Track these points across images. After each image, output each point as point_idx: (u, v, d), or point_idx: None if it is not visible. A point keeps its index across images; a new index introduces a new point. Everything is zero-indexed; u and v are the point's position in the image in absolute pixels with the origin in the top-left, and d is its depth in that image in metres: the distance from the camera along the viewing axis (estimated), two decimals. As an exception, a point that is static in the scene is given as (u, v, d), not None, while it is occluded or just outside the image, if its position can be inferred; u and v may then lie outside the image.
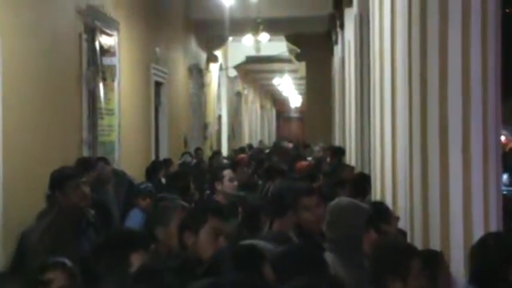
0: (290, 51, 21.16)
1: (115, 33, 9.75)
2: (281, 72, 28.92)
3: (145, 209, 6.43)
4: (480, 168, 4.43)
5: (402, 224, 5.13)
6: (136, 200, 6.84)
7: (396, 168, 5.98)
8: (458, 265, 4.28)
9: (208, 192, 7.18)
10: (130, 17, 10.84)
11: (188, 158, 13.18)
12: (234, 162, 10.33)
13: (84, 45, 8.54)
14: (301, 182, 5.94)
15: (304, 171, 9.35)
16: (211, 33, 17.98)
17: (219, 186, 6.47)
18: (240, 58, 22.36)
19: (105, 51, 9.20)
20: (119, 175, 8.01)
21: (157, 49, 12.71)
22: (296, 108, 43.43)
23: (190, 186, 6.89)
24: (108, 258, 3.23)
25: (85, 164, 6.85)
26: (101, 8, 9.12)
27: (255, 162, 12.61)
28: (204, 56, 18.34)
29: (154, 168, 10.07)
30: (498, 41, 4.54)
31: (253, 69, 28.76)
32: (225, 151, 20.42)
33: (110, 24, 9.53)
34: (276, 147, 21.20)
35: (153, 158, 11.93)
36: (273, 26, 16.25)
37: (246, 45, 17.68)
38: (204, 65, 18.36)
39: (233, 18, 15.01)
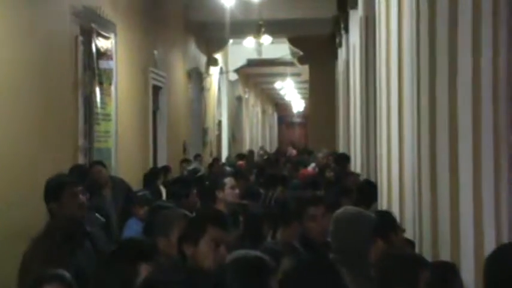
0: (293, 54, 21.16)
1: (112, 35, 9.75)
2: (283, 75, 28.92)
3: (143, 218, 6.41)
4: (491, 174, 4.41)
5: (410, 233, 5.11)
6: (134, 208, 6.82)
7: (403, 175, 5.96)
8: (469, 276, 4.25)
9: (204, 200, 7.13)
10: (127, 19, 10.84)
11: (198, 166, 13.18)
12: (236, 170, 10.32)
13: (80, 48, 8.53)
14: (307, 191, 5.93)
15: (307, 179, 9.34)
16: (212, 35, 18.00)
17: (220, 194, 6.45)
18: (241, 61, 22.38)
19: (102, 54, 9.20)
20: (116, 182, 7.99)
21: (155, 52, 12.70)
22: (299, 113, 43.41)
23: (190, 193, 6.86)
24: (118, 270, 3.22)
25: (79, 172, 6.83)
26: (98, 10, 9.12)
27: (256, 169, 12.59)
28: (203, 59, 18.35)
29: (152, 176, 10.06)
30: (510, 43, 4.52)
31: (255, 73, 28.77)
32: (225, 158, 20.40)
33: (106, 26, 9.53)
34: (280, 154, 21.20)
35: (151, 164, 11.92)
36: (275, 28, 16.25)
37: (247, 48, 17.70)
38: (204, 68, 18.37)
39: (234, 20, 15.01)
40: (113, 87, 9.72)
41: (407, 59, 5.72)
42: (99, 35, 9.12)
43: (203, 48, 18.11)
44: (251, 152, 21.31)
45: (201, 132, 17.47)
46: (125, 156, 10.19)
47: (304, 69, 23.33)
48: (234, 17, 14.87)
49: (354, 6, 11.09)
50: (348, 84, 13.11)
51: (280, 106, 46.03)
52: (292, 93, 34.63)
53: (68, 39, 8.25)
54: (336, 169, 11.30)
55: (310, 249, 4.12)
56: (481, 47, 4.40)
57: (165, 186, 9.14)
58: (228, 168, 12.84)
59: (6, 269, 4.92)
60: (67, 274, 3.50)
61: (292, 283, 2.83)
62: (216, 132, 20.59)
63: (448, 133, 4.45)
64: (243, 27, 15.87)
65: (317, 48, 19.71)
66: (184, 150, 15.26)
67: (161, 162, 12.65)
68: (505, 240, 4.31)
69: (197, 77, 17.13)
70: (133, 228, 6.42)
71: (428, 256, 4.24)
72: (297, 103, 40.16)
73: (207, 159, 16.50)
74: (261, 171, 11.64)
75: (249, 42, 16.74)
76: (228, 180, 6.60)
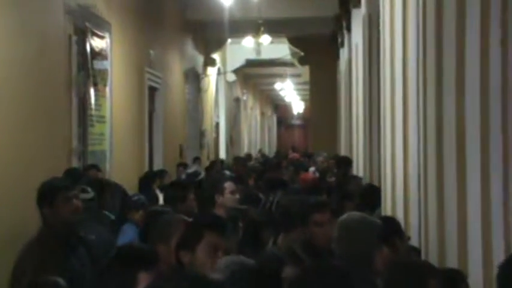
0: (293, 54, 21.16)
1: (107, 35, 9.72)
2: (283, 76, 28.92)
3: (138, 222, 6.39)
4: (500, 179, 4.37)
5: (415, 240, 5.08)
6: (130, 213, 6.80)
7: (408, 179, 5.93)
8: (477, 284, 4.22)
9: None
10: (123, 18, 10.82)
11: (198, 169, 13.14)
12: (237, 174, 10.28)
13: (74, 47, 8.50)
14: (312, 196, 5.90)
15: (308, 183, 9.31)
16: (209, 35, 17.98)
17: (219, 199, 6.42)
18: (239, 61, 22.36)
19: (97, 54, 9.17)
20: (112, 186, 7.95)
21: (151, 52, 12.69)
22: (299, 114, 43.43)
23: (186, 198, 6.81)
24: (116, 277, 3.18)
25: (73, 176, 6.80)
26: (92, 8, 9.09)
27: (255, 173, 12.55)
28: (201, 59, 18.33)
29: (147, 180, 10.03)
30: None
31: (254, 74, 28.77)
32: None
33: (101, 25, 9.50)
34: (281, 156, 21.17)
35: (146, 168, 11.90)
36: (274, 27, 16.23)
37: (246, 48, 17.69)
38: (201, 69, 18.35)
39: (232, 19, 15.00)
40: (107, 88, 9.70)
41: (412, 59, 5.69)
42: (94, 34, 9.10)
43: (200, 48, 18.09)
44: (248, 156, 21.29)
45: (198, 134, 17.45)
46: (120, 159, 10.17)
47: (305, 70, 23.33)
48: (232, 15, 14.85)
49: (357, 4, 11.08)
50: (350, 85, 13.09)
51: (279, 108, 46.05)
52: (292, 94, 34.65)
53: (61, 39, 8.22)
54: (337, 173, 11.27)
55: (313, 255, 4.08)
56: (490, 45, 4.36)
57: (162, 191, 9.11)
58: (227, 172, 12.81)
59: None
60: (61, 281, 3.47)
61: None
62: (214, 135, 20.57)
63: (455, 135, 4.40)
64: (241, 26, 15.86)
65: (318, 48, 19.70)
66: (181, 153, 15.23)
67: (157, 166, 12.64)
68: (514, 246, 4.28)
69: (194, 78, 17.11)
70: (129, 234, 6.40)
71: (434, 263, 4.20)
72: (297, 105, 40.20)
73: (205, 162, 16.48)
74: (260, 175, 11.61)
75: (248, 42, 16.73)
76: (228, 185, 6.56)
